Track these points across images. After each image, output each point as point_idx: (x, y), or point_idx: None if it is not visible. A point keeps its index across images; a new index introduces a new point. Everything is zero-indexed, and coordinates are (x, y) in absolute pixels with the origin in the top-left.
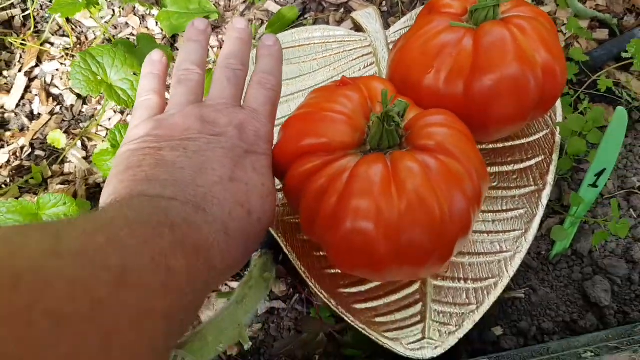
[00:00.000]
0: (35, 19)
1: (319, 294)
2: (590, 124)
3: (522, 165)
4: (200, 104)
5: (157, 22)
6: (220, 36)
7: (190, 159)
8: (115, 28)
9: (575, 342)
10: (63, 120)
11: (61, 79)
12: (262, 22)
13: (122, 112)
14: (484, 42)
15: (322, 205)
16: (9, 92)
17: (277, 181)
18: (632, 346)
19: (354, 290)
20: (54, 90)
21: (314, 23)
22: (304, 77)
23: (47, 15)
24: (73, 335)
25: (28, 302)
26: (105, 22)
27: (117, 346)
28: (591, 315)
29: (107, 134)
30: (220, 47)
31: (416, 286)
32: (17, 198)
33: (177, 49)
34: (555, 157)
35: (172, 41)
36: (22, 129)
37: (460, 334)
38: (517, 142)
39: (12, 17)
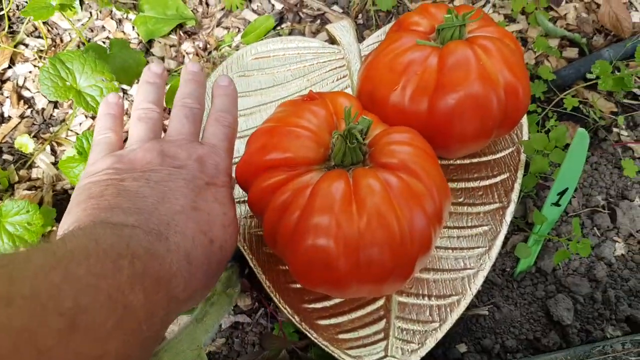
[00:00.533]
0: (10, 19)
1: (283, 309)
2: (553, 143)
3: (487, 182)
4: (160, 139)
5: (133, 27)
6: (196, 43)
7: (152, 188)
8: (92, 31)
9: None
10: (33, 124)
11: (33, 81)
12: (239, 30)
13: (92, 117)
14: (448, 61)
15: (284, 221)
16: None
17: (238, 210)
18: None
19: (318, 305)
20: (25, 93)
21: (290, 33)
22: (277, 87)
23: (22, 16)
24: None
25: None
26: (82, 24)
27: None
28: (554, 333)
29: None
30: (196, 54)
31: (381, 302)
32: None
33: (153, 54)
34: (520, 174)
35: (147, 46)
36: None
37: (423, 352)
38: (484, 159)
39: None
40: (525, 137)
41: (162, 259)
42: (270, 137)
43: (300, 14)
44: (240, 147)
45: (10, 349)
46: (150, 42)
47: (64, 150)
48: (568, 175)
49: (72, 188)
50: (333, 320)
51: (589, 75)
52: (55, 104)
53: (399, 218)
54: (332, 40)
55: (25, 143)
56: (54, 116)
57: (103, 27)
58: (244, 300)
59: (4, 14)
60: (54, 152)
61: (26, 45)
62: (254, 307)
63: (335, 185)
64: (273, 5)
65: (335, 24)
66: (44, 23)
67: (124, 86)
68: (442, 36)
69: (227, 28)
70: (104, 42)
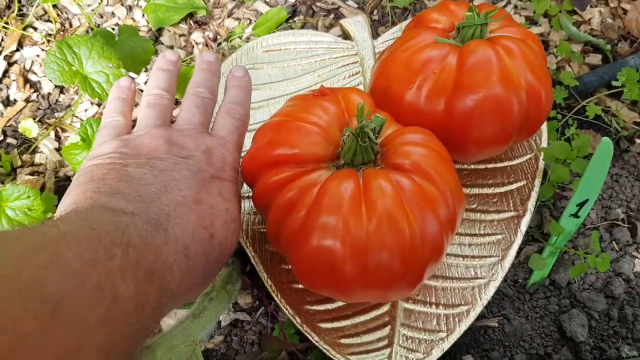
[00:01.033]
0: (20, 2)
1: (285, 309)
2: (575, 152)
3: (502, 189)
4: (169, 127)
5: (143, 14)
6: (206, 33)
7: (156, 177)
8: (102, 17)
9: None
10: (38, 109)
11: (41, 65)
12: (250, 22)
13: (98, 104)
14: (468, 61)
15: (289, 219)
16: None
17: (243, 205)
18: None
19: (321, 307)
20: (32, 77)
21: (303, 27)
22: (287, 82)
23: None
24: None
25: None
26: (92, 9)
27: None
28: (566, 349)
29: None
30: (205, 44)
31: (386, 307)
32: None
33: (162, 43)
34: (537, 182)
35: (157, 34)
36: None
37: None
38: (500, 165)
39: None
40: (545, 144)
41: (158, 250)
42: (278, 131)
43: (314, 7)
44: (247, 141)
45: None
46: (159, 31)
47: (68, 136)
48: (589, 186)
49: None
50: (336, 324)
51: (613, 83)
52: (62, 89)
53: (410, 222)
54: (345, 36)
55: (29, 127)
56: (59, 101)
57: (113, 13)
58: (245, 298)
59: None
60: (58, 138)
61: (35, 29)
62: (255, 305)
63: (345, 185)
64: None
65: (349, 19)
66: (53, 7)
67: (132, 74)
68: (462, 35)
69: (238, 19)
70: (113, 29)
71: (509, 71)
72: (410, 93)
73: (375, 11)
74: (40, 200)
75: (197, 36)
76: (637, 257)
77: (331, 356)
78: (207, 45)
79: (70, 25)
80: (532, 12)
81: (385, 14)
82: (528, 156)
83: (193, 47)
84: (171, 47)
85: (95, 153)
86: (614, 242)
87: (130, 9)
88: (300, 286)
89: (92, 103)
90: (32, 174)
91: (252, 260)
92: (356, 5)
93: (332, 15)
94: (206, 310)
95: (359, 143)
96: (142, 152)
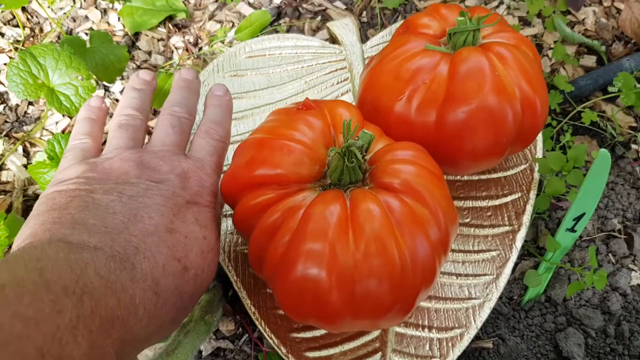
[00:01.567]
0: None
1: (269, 338)
2: (571, 164)
3: (497, 202)
4: (141, 149)
5: (119, 18)
6: (186, 37)
7: (124, 204)
8: (74, 20)
9: None
10: (5, 122)
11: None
12: (233, 25)
13: (70, 117)
14: (460, 69)
15: (272, 245)
16: None
17: (224, 225)
18: None
19: (307, 335)
20: None
21: (288, 30)
22: (272, 89)
23: None
24: None
25: None
26: (64, 13)
27: None
28: None
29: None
30: (186, 49)
31: (377, 332)
32: None
33: (139, 48)
34: (532, 195)
35: (133, 39)
36: None
37: None
38: (494, 175)
39: None
40: (540, 153)
41: (122, 292)
42: (259, 150)
43: (300, 9)
44: (229, 155)
45: None
46: (136, 35)
47: (38, 151)
48: (586, 199)
49: None
50: (324, 352)
51: (609, 89)
52: (30, 101)
53: (400, 247)
54: (333, 40)
55: None
56: (28, 114)
57: (86, 17)
58: (227, 324)
59: None
60: (26, 153)
61: (2, 35)
62: (238, 332)
63: (331, 209)
64: None
65: (337, 22)
66: (23, 10)
67: (106, 83)
68: (454, 41)
69: (220, 22)
70: (86, 33)
71: (503, 81)
72: (400, 104)
73: (364, 13)
74: (4, 225)
75: (176, 40)
76: (633, 270)
77: None
78: (187, 50)
79: (41, 31)
80: (525, 13)
81: (375, 15)
82: (523, 166)
83: (172, 52)
84: (149, 53)
85: (59, 178)
86: (610, 255)
87: (105, 12)
88: None
89: (63, 115)
90: None
91: (235, 285)
92: (344, 7)
93: (319, 18)
94: (181, 345)
95: (346, 163)
96: (111, 177)
